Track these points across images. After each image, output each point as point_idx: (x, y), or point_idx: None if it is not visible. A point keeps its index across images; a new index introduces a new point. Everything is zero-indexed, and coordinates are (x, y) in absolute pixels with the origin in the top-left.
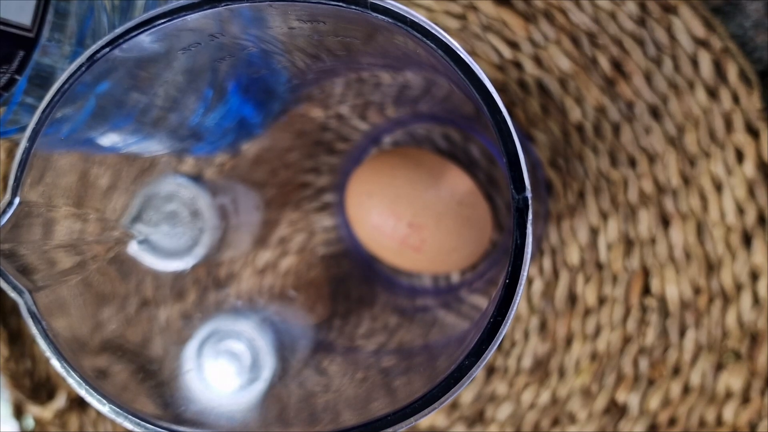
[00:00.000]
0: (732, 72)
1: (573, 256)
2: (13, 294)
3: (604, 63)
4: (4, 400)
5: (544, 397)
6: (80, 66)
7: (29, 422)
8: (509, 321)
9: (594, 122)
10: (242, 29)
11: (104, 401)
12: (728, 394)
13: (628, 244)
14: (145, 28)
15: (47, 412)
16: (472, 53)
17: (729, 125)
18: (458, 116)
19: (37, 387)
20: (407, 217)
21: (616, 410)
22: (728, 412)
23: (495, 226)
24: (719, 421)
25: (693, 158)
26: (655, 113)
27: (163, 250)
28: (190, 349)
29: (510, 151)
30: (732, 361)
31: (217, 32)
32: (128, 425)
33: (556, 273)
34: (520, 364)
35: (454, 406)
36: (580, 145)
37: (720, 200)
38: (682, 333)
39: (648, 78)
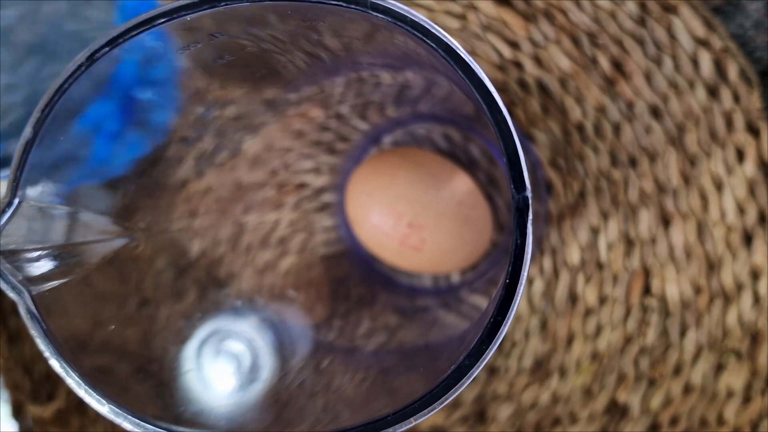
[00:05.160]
0: (732, 71)
1: (573, 255)
2: (12, 294)
3: (604, 63)
4: (4, 401)
5: (545, 397)
6: (80, 66)
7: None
8: (509, 321)
9: (594, 122)
10: (242, 29)
11: (104, 401)
12: (729, 394)
13: (629, 243)
14: (144, 27)
15: (47, 412)
16: (472, 53)
17: (729, 124)
18: (458, 116)
19: (36, 387)
20: (407, 217)
21: (617, 410)
22: (729, 412)
23: (495, 226)
24: (720, 421)
25: (693, 158)
26: (655, 113)
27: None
28: (190, 349)
29: (510, 151)
30: (733, 361)
31: (217, 32)
32: (128, 425)
33: (556, 273)
34: (520, 364)
35: (455, 406)
36: (581, 145)
37: (720, 200)
38: (683, 333)
39: (648, 78)
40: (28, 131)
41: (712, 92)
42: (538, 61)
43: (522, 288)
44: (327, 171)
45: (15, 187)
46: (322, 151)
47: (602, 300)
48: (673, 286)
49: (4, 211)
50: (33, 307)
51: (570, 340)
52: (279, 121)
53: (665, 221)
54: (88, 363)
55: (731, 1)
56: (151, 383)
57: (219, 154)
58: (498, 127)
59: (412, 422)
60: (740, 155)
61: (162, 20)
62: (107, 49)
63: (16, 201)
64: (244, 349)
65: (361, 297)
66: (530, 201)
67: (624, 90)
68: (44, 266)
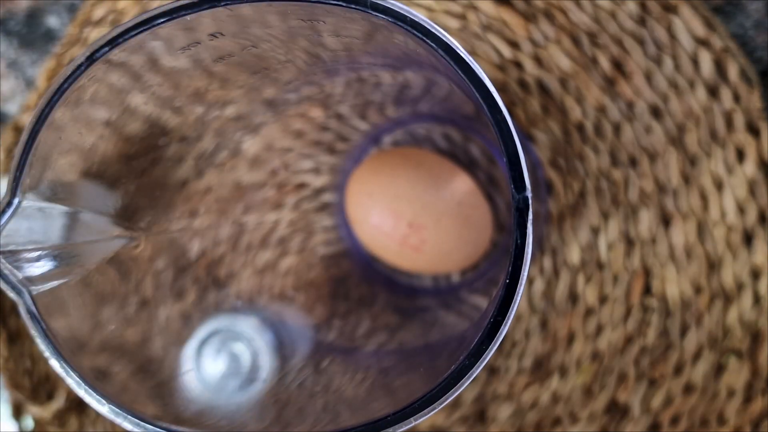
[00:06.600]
0: (732, 71)
1: (573, 255)
2: (12, 294)
3: (604, 62)
4: (4, 401)
5: (545, 397)
6: (79, 65)
7: (28, 422)
8: (509, 321)
9: (594, 122)
10: (242, 29)
11: (103, 401)
12: (730, 394)
13: (629, 243)
14: (144, 27)
15: (46, 412)
16: (472, 53)
17: (730, 124)
18: (458, 116)
19: (36, 387)
20: (407, 217)
21: (617, 410)
22: (730, 412)
23: (495, 226)
24: (721, 421)
25: (693, 158)
26: (655, 112)
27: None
28: (190, 349)
29: (510, 151)
30: (733, 361)
31: (217, 32)
32: (127, 425)
33: (556, 273)
34: (520, 364)
35: (455, 406)
36: (581, 145)
37: (721, 199)
38: (683, 333)
39: (648, 77)
40: (27, 131)
41: (713, 92)
42: (538, 61)
43: (522, 288)
44: (327, 171)
45: (15, 187)
46: (322, 151)
47: (602, 300)
48: (674, 286)
49: (4, 211)
50: (33, 307)
51: (570, 339)
52: (279, 121)
53: (665, 221)
54: (88, 363)
55: (731, 1)
56: (151, 383)
57: (219, 154)
58: (498, 127)
59: (412, 422)
60: (740, 155)
61: (162, 20)
62: (107, 48)
63: (16, 201)
64: (244, 349)
65: (361, 297)
66: (530, 201)
67: (624, 90)
68: (44, 266)
